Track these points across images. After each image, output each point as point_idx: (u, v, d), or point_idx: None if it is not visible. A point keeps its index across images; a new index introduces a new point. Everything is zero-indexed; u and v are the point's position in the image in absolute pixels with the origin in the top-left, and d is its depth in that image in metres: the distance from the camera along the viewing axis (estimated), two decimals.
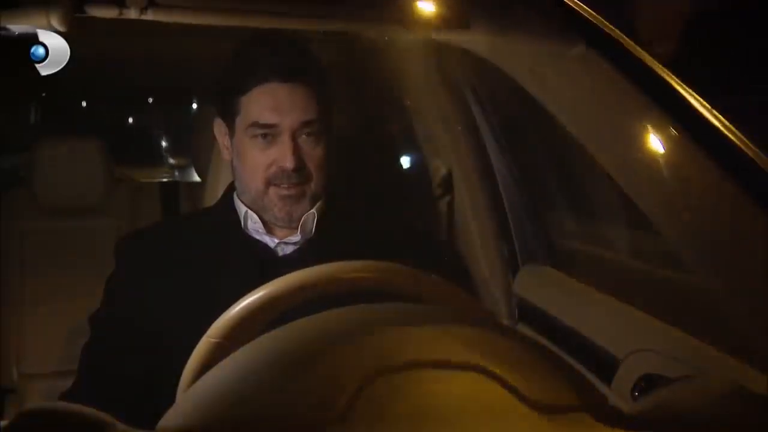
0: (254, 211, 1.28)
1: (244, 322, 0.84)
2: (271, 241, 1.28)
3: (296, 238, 1.27)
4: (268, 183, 1.24)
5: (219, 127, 1.32)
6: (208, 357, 0.83)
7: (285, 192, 1.24)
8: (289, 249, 1.27)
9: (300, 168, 1.22)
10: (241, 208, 1.29)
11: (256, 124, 1.22)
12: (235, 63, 1.27)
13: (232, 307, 0.86)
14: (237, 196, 1.32)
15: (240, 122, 1.24)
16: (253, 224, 1.28)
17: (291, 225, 1.26)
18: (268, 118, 1.21)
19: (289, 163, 1.21)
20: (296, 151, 1.21)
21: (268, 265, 1.23)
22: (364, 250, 0.95)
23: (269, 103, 1.21)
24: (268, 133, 1.22)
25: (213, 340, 0.84)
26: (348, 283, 0.89)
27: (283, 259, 1.26)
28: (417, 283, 0.92)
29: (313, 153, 1.24)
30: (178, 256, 1.26)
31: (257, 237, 1.28)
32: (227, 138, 1.30)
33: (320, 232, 1.28)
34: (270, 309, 0.85)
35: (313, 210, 1.27)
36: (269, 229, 1.28)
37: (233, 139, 1.28)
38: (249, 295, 0.86)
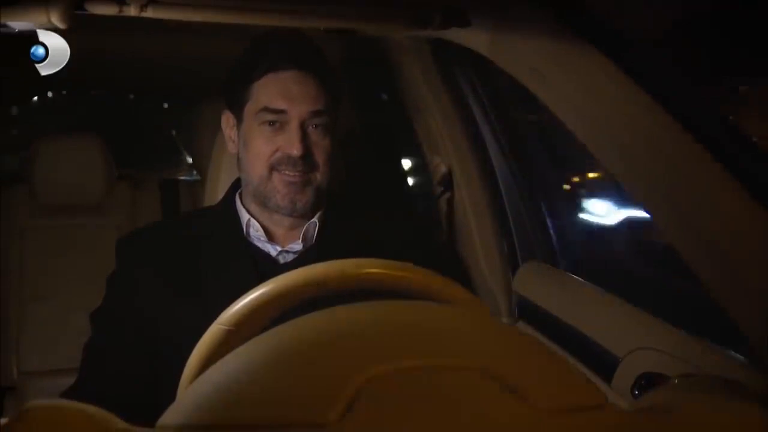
0: (257, 202, 1.28)
1: (255, 312, 0.85)
2: (272, 249, 1.28)
3: (298, 246, 1.28)
4: (272, 168, 1.24)
5: (227, 120, 1.32)
6: (216, 343, 0.84)
7: (289, 179, 1.24)
8: (290, 257, 1.28)
9: (306, 155, 1.22)
10: (244, 216, 1.29)
11: (266, 109, 1.22)
12: (250, 50, 1.28)
13: (244, 296, 0.87)
14: (240, 198, 1.32)
15: (249, 109, 1.25)
16: (255, 232, 1.28)
17: (294, 214, 1.26)
18: (278, 103, 1.22)
19: (295, 150, 1.21)
20: (304, 139, 1.22)
21: (269, 273, 1.23)
22: (365, 257, 0.95)
23: (281, 89, 1.22)
24: (276, 120, 1.22)
25: (223, 327, 0.85)
26: (359, 281, 0.89)
27: (284, 267, 1.26)
28: (417, 281, 0.92)
29: (321, 143, 1.24)
30: (179, 259, 1.26)
31: (258, 244, 1.28)
32: (234, 130, 1.31)
33: (321, 240, 1.28)
34: (281, 301, 0.86)
35: (315, 219, 1.28)
36: (271, 237, 1.28)
37: (241, 129, 1.28)
38: (262, 285, 0.87)
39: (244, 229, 1.29)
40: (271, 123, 1.23)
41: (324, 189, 1.27)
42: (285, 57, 1.23)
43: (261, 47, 1.27)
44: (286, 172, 1.23)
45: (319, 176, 1.25)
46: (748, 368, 1.04)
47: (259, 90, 1.24)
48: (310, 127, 1.23)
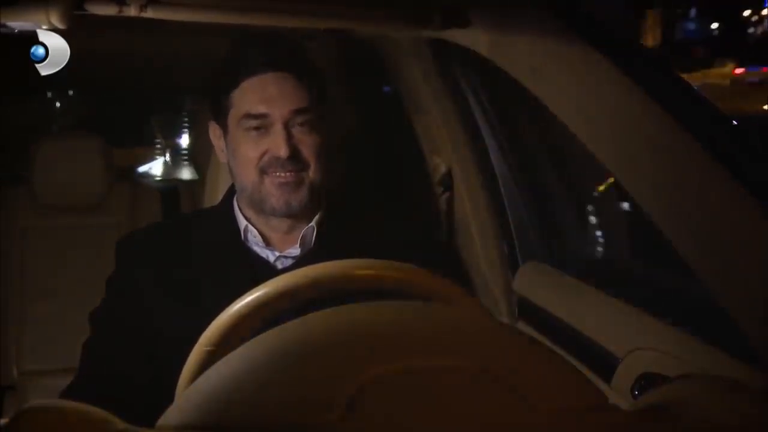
0: (253, 207, 1.28)
1: (235, 327, 0.84)
2: (271, 255, 1.28)
3: (296, 251, 1.28)
4: (263, 171, 1.23)
5: (214, 130, 1.32)
6: (202, 366, 0.83)
7: (281, 180, 1.23)
8: (288, 262, 1.27)
9: (294, 156, 1.22)
10: (242, 222, 1.29)
11: (247, 116, 1.22)
12: (223, 61, 1.28)
13: (221, 314, 0.85)
14: (237, 203, 1.32)
15: (232, 117, 1.25)
16: (253, 238, 1.28)
17: (290, 215, 1.26)
18: (258, 108, 1.22)
19: (282, 152, 1.21)
20: (289, 139, 1.21)
21: (266, 278, 1.23)
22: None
23: (259, 94, 1.22)
24: (260, 124, 1.22)
25: (206, 348, 0.84)
26: (339, 283, 0.89)
27: (282, 273, 1.26)
28: (417, 281, 0.92)
29: (308, 140, 1.23)
30: (178, 261, 1.27)
31: (257, 249, 1.28)
32: (222, 140, 1.30)
33: (320, 244, 1.28)
34: (260, 313, 0.85)
35: (312, 223, 1.27)
36: (268, 242, 1.28)
37: (227, 137, 1.28)
38: (238, 300, 0.86)
39: (242, 235, 1.29)
40: (256, 128, 1.22)
41: (318, 187, 1.26)
42: (259, 60, 1.23)
43: (234, 56, 1.27)
44: (277, 173, 1.23)
45: (311, 174, 1.24)
46: (748, 368, 1.04)
47: (239, 97, 1.24)
48: (296, 127, 1.23)
